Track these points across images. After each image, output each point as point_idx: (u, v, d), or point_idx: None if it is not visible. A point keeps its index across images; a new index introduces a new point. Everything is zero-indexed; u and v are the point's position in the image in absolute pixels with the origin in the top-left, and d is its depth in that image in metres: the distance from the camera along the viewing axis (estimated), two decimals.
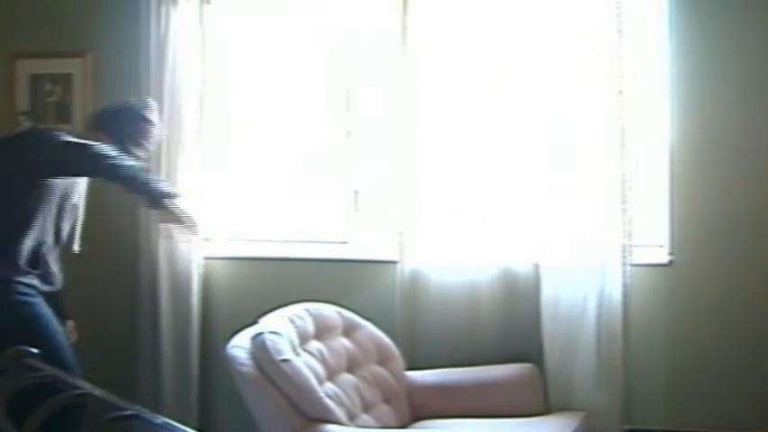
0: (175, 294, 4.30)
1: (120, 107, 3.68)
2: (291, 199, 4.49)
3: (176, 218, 3.54)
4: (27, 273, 3.40)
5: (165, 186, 3.56)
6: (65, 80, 4.51)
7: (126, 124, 3.61)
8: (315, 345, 3.47)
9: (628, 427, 3.83)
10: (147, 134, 3.65)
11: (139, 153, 3.62)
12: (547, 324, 3.88)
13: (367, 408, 3.51)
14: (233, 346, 3.30)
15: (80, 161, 3.41)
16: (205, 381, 4.32)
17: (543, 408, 3.74)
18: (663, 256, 3.94)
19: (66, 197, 3.50)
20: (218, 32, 4.41)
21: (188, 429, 1.90)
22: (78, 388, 2.02)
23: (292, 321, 3.42)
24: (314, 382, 3.21)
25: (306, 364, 3.27)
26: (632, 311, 3.83)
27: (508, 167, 3.95)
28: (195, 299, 4.30)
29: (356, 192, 4.37)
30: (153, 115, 3.69)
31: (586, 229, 3.86)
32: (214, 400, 4.33)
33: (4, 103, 4.56)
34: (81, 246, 3.62)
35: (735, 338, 3.86)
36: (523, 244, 3.95)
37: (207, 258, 4.36)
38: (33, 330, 3.32)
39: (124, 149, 3.52)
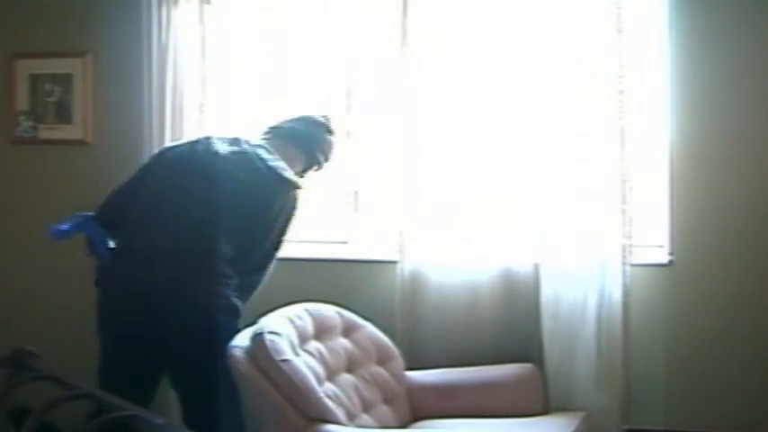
0: None
1: (306, 120, 3.80)
2: None
3: None
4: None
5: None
6: (65, 80, 4.50)
7: (316, 136, 3.78)
8: (314, 345, 3.47)
9: (628, 427, 3.83)
10: (332, 146, 3.82)
11: (326, 165, 3.82)
12: (547, 324, 3.87)
13: (367, 408, 3.51)
14: (232, 346, 3.30)
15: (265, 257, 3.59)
16: None
17: (543, 408, 3.74)
18: (663, 256, 3.94)
19: None
20: (219, 32, 4.40)
21: (188, 430, 1.90)
22: (78, 388, 2.02)
23: (292, 321, 3.42)
24: (313, 382, 3.21)
25: (305, 364, 3.27)
26: (632, 311, 3.83)
27: (508, 167, 3.95)
28: None
29: (356, 192, 4.37)
30: (333, 127, 3.82)
31: (586, 228, 3.86)
32: None
33: (4, 103, 4.56)
34: None
35: (735, 338, 3.86)
36: (523, 244, 3.95)
37: None
38: None
39: (314, 162, 3.76)
